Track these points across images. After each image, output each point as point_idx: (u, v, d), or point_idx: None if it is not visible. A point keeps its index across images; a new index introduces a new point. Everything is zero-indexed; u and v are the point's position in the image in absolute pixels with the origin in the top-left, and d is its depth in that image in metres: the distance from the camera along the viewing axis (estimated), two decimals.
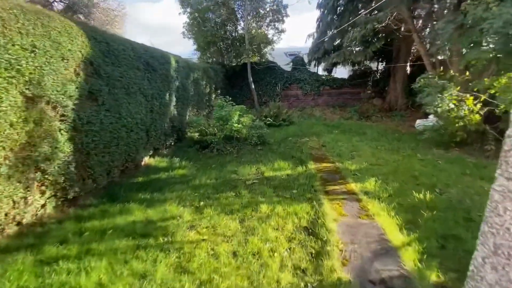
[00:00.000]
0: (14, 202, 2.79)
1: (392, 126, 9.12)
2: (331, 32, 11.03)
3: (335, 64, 12.25)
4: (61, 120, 3.24)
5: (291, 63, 13.24)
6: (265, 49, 13.04)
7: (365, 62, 12.59)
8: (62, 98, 3.16)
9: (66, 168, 3.43)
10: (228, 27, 12.21)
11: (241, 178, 5.02)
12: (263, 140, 7.09)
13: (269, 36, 12.51)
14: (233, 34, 12.12)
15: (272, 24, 12.27)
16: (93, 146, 3.83)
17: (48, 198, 3.28)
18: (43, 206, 3.23)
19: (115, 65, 4.17)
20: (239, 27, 12.52)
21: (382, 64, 13.08)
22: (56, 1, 13.05)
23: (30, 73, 2.80)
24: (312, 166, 5.46)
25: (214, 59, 12.24)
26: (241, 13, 11.93)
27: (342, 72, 17.66)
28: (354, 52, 10.03)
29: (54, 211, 3.48)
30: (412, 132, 8.16)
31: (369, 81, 11.70)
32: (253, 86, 12.15)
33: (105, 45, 3.98)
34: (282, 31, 12.71)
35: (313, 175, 4.93)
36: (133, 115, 4.76)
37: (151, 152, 5.95)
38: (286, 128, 9.64)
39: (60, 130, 3.23)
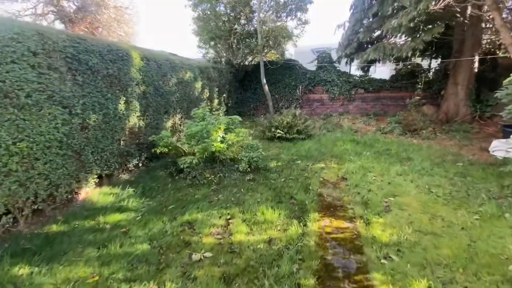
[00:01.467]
0: None
1: (452, 148, 6.38)
2: (367, 20, 8.53)
3: (372, 62, 9.65)
4: None
5: (316, 61, 10.91)
6: (285, 45, 10.92)
7: (412, 58, 9.76)
8: None
9: None
10: (241, 20, 10.38)
11: (193, 240, 3.13)
12: (257, 165, 5.09)
13: (289, 29, 10.36)
14: (246, 27, 10.23)
15: (293, 13, 10.12)
16: None
17: None
18: None
19: None
20: (254, 20, 10.62)
21: (436, 61, 10.08)
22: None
23: None
24: (315, 225, 3.32)
25: (222, 58, 10.51)
26: (256, 3, 10.01)
27: (383, 71, 14.72)
28: (398, 45, 7.45)
29: None
30: (485, 160, 5.44)
31: (419, 83, 8.85)
32: (267, 89, 10.16)
33: None
34: (306, 22, 10.46)
35: (311, 252, 2.81)
36: (33, 136, 3.16)
37: (94, 180, 4.37)
38: (301, 144, 7.47)
39: None
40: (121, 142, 4.75)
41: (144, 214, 3.88)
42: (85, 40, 3.88)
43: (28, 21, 4.16)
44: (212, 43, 9.97)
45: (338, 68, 10.76)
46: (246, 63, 11.35)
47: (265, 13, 10.25)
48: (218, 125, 5.02)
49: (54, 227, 3.50)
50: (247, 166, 4.93)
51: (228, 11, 10.07)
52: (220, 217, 3.69)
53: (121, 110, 4.58)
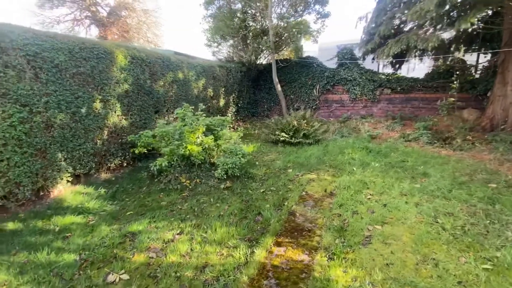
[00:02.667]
0: None
1: (490, 163, 5.05)
2: (392, 10, 7.35)
3: (399, 56, 8.37)
4: None
5: (336, 58, 9.87)
6: (300, 42, 10.16)
7: (456, 53, 8.16)
8: None
9: None
10: (257, 17, 9.90)
11: (124, 256, 2.80)
12: (233, 172, 4.57)
13: (308, 23, 9.56)
14: (259, 24, 9.72)
15: (311, 7, 9.30)
16: None
17: None
18: None
19: None
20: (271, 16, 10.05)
21: (485, 57, 8.32)
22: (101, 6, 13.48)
23: None
24: (263, 254, 2.73)
25: (234, 56, 10.15)
26: None
27: (422, 69, 12.89)
28: (426, 34, 6.22)
29: None
30: None
31: (455, 82, 7.28)
32: (279, 88, 9.53)
33: None
34: (326, 16, 9.55)
35: None
36: None
37: (67, 178, 4.35)
38: (304, 150, 6.75)
39: None
40: (98, 141, 4.67)
41: (100, 218, 3.70)
42: (53, 38, 3.84)
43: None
44: (223, 41, 9.68)
45: (362, 66, 9.60)
46: (263, 61, 10.86)
47: (281, 7, 9.64)
48: (197, 127, 4.65)
49: (10, 225, 3.49)
50: (223, 172, 4.47)
51: (245, 7, 9.67)
52: (170, 230, 3.32)
53: (96, 109, 4.49)
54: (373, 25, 8.02)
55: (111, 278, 2.48)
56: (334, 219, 3.38)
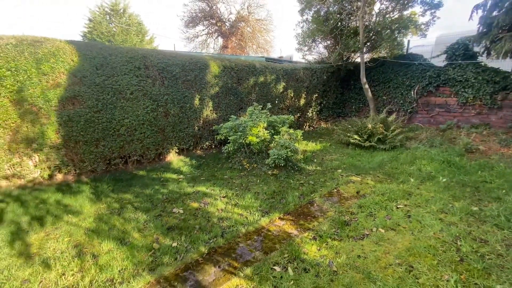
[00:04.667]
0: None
1: None
2: None
3: None
4: (45, 117, 4.51)
5: (446, 55, 8.32)
6: (407, 37, 9.19)
7: None
8: (40, 102, 4.37)
9: (56, 151, 4.75)
10: (353, 17, 9.78)
11: (187, 201, 4.32)
12: (278, 162, 5.37)
13: (413, 16, 8.57)
14: (352, 24, 9.52)
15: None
16: (79, 138, 4.91)
17: (42, 169, 4.75)
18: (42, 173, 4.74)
19: (107, 75, 4.97)
20: (370, 14, 9.66)
21: None
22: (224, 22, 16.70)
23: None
24: (266, 221, 3.56)
25: (324, 57, 10.38)
26: None
27: None
28: None
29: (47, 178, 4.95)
30: None
31: None
32: (367, 87, 9.12)
33: (101, 59, 4.87)
34: (436, 6, 8.20)
35: (234, 236, 3.24)
36: (133, 116, 5.45)
37: (175, 150, 6.52)
38: (372, 155, 6.59)
39: (43, 124, 4.51)
40: (195, 127, 6.62)
41: (185, 178, 5.50)
42: (174, 57, 5.89)
43: (142, 48, 6.62)
44: (313, 44, 10.17)
45: (480, 63, 7.75)
46: (357, 60, 10.60)
47: (382, 1, 9.13)
48: (258, 122, 5.77)
49: (141, 172, 5.82)
50: (272, 161, 5.40)
51: (340, 10, 9.81)
52: (219, 194, 4.63)
53: (195, 104, 6.40)
54: (495, 13, 6.46)
55: (175, 210, 4.02)
56: (345, 215, 3.69)
